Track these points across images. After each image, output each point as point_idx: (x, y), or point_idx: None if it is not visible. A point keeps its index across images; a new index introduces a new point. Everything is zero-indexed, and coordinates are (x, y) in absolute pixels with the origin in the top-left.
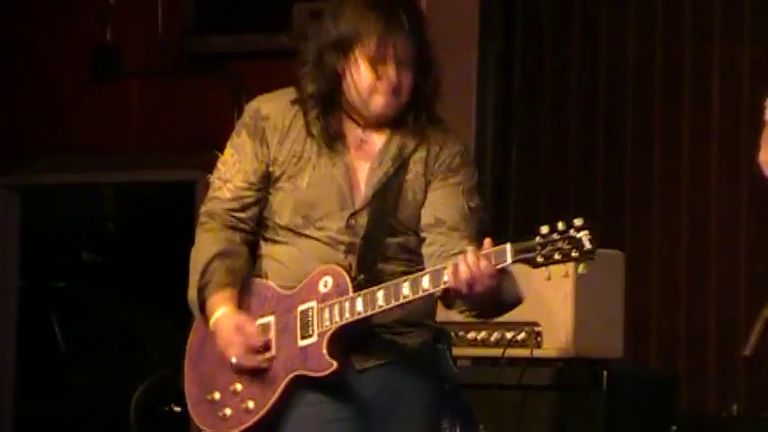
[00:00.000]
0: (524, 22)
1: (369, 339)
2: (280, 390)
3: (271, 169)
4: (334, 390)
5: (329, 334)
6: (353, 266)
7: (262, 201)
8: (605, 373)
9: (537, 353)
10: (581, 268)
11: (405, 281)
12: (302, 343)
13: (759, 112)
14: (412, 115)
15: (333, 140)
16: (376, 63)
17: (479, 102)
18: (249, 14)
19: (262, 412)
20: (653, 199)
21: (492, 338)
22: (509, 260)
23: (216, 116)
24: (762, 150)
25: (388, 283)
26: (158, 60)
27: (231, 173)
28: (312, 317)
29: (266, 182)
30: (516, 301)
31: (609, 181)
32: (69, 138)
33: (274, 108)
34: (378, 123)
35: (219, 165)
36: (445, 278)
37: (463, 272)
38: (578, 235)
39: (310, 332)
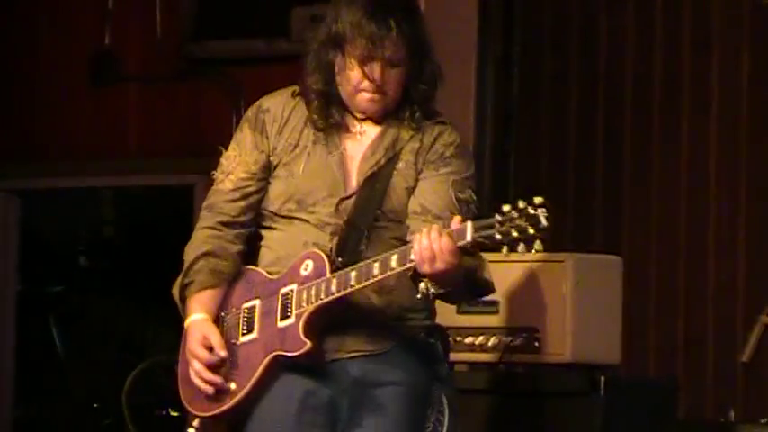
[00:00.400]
0: (523, 28)
1: (353, 329)
2: (260, 370)
3: (271, 158)
4: (313, 374)
5: (306, 314)
6: (333, 250)
7: (262, 190)
8: (603, 378)
9: (535, 358)
10: (537, 245)
11: (375, 261)
12: (281, 324)
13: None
14: (408, 110)
15: (332, 130)
16: (364, 62)
17: (478, 107)
18: (248, 20)
19: (242, 392)
20: (651, 205)
21: (490, 344)
22: (469, 237)
23: (215, 121)
24: None
25: (361, 263)
26: (157, 65)
27: (233, 166)
28: (291, 298)
29: (267, 172)
30: (488, 290)
31: (607, 187)
32: (68, 142)
33: (275, 101)
34: (371, 117)
35: (222, 160)
36: (411, 257)
37: (425, 246)
38: (536, 212)
39: (288, 313)
